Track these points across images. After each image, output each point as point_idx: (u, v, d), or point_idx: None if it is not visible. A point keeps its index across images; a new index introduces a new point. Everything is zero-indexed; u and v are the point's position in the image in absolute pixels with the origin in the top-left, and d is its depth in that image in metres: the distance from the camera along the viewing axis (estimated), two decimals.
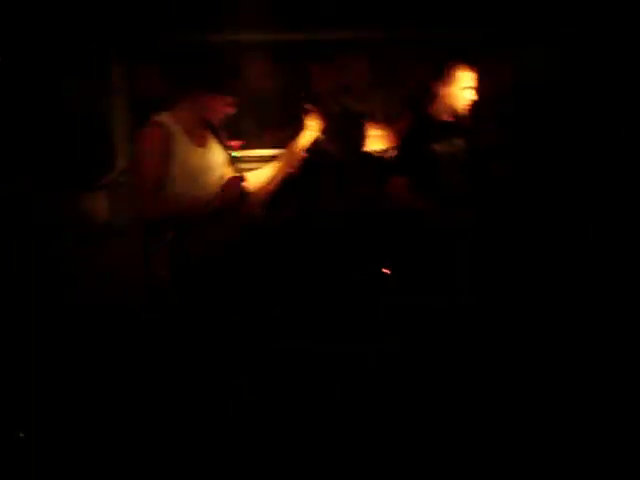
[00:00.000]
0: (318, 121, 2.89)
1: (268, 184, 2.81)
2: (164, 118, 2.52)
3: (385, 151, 3.41)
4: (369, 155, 3.44)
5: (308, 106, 2.91)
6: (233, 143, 3.51)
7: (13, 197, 3.40)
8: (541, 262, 3.34)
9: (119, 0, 3.43)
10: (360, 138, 3.44)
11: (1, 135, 3.47)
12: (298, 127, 2.92)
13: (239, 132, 3.43)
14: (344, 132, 3.35)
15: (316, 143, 2.93)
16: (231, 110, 2.62)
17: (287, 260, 3.04)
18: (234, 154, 2.90)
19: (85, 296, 3.62)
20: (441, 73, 3.17)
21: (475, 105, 3.18)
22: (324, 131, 2.95)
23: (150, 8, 3.43)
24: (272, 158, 2.96)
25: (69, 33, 3.48)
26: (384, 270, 3.22)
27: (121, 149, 3.69)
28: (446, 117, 3.23)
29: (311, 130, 2.87)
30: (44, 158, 3.53)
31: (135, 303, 3.22)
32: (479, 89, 3.17)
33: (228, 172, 2.72)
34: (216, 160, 2.67)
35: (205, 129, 2.66)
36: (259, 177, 2.80)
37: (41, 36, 3.44)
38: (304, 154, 2.88)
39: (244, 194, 2.62)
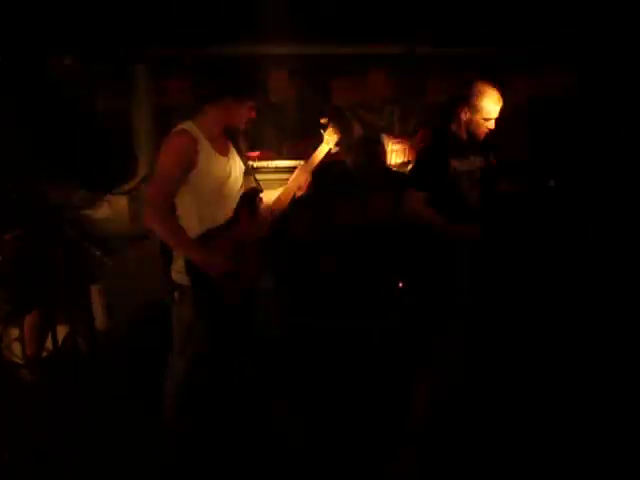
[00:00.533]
0: (336, 135, 2.93)
1: (284, 196, 2.84)
2: (188, 126, 2.56)
3: (402, 165, 3.45)
4: (386, 169, 3.48)
5: (326, 120, 2.94)
6: (252, 154, 3.58)
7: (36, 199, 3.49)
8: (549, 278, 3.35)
9: (145, 10, 3.51)
10: (378, 152, 3.48)
11: (27, 139, 3.56)
12: (316, 140, 2.97)
13: (258, 143, 3.49)
14: (362, 146, 3.39)
15: (333, 156, 2.97)
16: (253, 114, 2.65)
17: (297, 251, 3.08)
18: (253, 165, 2.95)
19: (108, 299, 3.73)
20: (466, 100, 3.17)
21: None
22: (342, 145, 2.99)
23: (176, 19, 3.50)
24: (289, 169, 3.01)
25: (96, 40, 3.57)
26: (400, 284, 3.26)
27: (144, 156, 3.77)
28: (465, 138, 3.25)
29: (329, 144, 2.91)
30: (69, 163, 3.62)
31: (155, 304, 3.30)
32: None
33: (247, 182, 2.76)
34: (236, 170, 2.72)
35: (227, 139, 2.70)
36: (275, 194, 2.85)
37: (67, 43, 3.53)
38: (321, 167, 2.91)
39: (260, 204, 2.67)
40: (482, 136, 3.17)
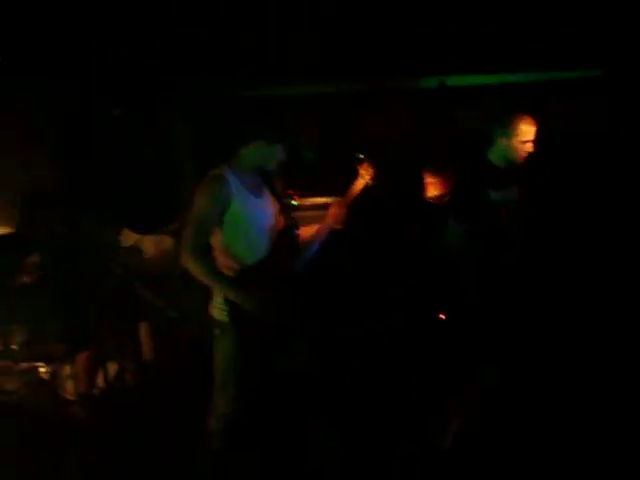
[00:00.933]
0: (371, 169, 2.98)
1: (321, 231, 2.90)
2: (222, 170, 2.66)
3: (439, 197, 3.46)
4: (423, 201, 3.50)
5: (362, 154, 3.00)
6: (290, 192, 3.65)
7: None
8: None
9: (182, 56, 3.67)
10: (414, 185, 3.51)
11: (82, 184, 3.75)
12: (352, 176, 3.03)
13: (296, 181, 3.55)
14: (398, 179, 3.43)
15: (369, 190, 3.02)
16: (284, 157, 2.74)
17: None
18: (291, 202, 3.01)
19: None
20: (502, 123, 3.20)
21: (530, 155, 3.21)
22: (377, 179, 3.03)
23: (212, 64, 3.65)
24: (327, 206, 3.06)
25: (138, 85, 3.74)
26: (440, 315, 3.25)
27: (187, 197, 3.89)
28: (502, 166, 3.25)
29: (364, 178, 2.96)
30: (116, 204, 3.79)
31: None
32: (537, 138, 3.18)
33: (283, 220, 2.83)
34: (271, 208, 2.79)
35: (261, 179, 2.79)
36: (312, 231, 2.91)
37: (111, 88, 3.72)
38: (357, 201, 2.97)
39: (297, 241, 2.73)
40: (521, 161, 3.17)
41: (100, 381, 3.76)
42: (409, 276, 3.30)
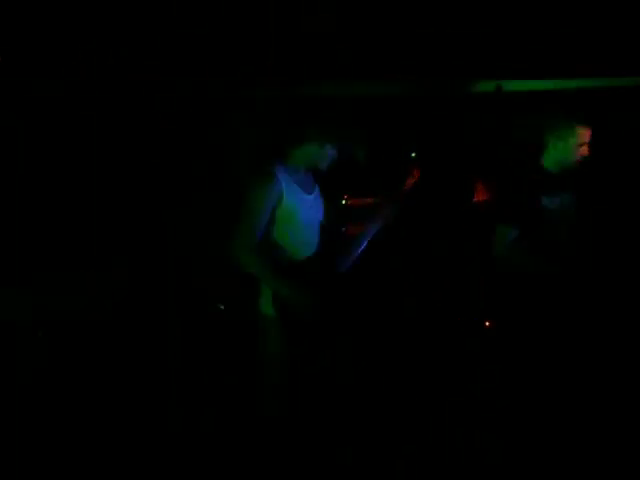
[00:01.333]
0: (421, 168, 3.00)
1: (369, 229, 2.93)
2: (274, 166, 2.71)
3: (489, 202, 3.44)
4: (473, 205, 3.49)
5: (413, 154, 3.03)
6: (342, 192, 3.69)
7: None
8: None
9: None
10: (465, 190, 3.50)
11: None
12: (403, 176, 3.04)
13: (348, 181, 3.59)
14: (448, 183, 3.43)
15: (419, 189, 3.04)
16: (336, 156, 2.77)
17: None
18: (343, 202, 3.05)
19: None
20: (557, 126, 3.15)
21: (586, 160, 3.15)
22: (427, 181, 3.05)
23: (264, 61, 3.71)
24: (377, 206, 3.08)
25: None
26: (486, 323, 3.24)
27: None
28: (556, 171, 3.21)
29: (415, 177, 2.98)
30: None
31: None
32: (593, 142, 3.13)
33: (333, 217, 2.87)
34: (321, 206, 2.83)
35: (313, 177, 2.82)
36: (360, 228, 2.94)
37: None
38: (407, 199, 2.99)
39: (346, 238, 2.77)
40: (575, 166, 3.12)
41: None
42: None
